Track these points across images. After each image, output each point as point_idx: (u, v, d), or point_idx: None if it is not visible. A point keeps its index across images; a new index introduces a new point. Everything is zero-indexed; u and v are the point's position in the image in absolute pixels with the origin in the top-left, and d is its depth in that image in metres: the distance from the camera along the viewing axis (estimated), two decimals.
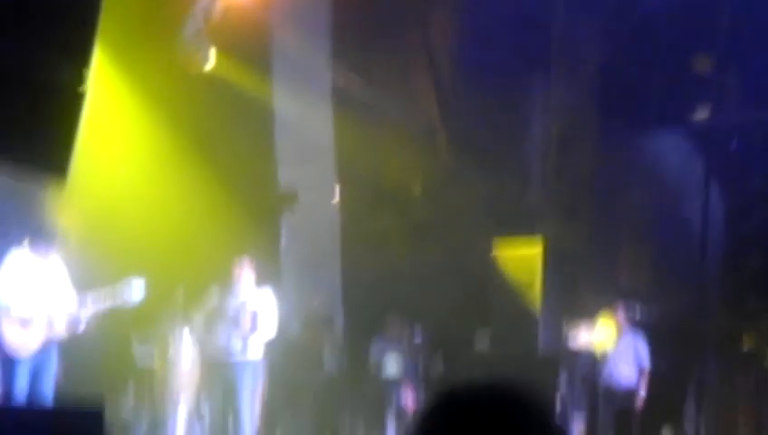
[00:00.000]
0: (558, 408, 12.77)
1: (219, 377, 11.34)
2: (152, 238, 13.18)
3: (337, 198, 15.15)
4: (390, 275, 14.45)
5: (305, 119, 14.74)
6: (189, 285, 11.96)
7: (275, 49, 14.60)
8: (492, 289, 13.79)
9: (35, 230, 10.17)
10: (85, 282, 10.56)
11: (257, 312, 11.24)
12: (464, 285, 14.12)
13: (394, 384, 13.37)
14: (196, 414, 12.01)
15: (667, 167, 15.31)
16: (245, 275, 11.43)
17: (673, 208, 15.32)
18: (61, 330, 9.85)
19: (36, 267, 9.83)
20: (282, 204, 15.12)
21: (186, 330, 11.82)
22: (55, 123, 5.82)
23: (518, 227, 14.24)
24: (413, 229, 14.85)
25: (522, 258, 13.70)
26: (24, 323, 9.59)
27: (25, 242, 9.90)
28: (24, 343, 9.60)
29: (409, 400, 13.22)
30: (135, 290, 10.16)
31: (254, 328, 11.20)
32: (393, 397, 13.16)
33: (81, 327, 10.01)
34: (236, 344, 11.22)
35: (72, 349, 12.02)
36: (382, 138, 14.50)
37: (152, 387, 12.39)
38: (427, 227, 14.81)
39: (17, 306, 9.59)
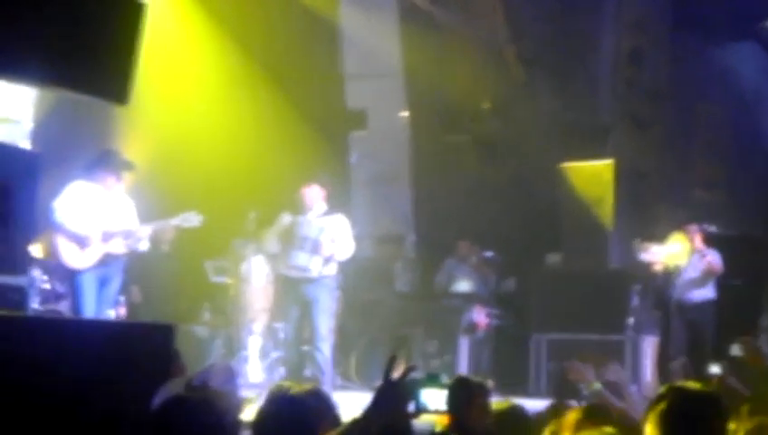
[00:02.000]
0: (631, 322, 12.71)
1: (295, 292, 11.43)
2: (221, 162, 13.29)
3: (406, 116, 15.11)
4: (461, 191, 14.43)
5: (373, 36, 14.68)
6: (262, 208, 12.05)
7: None
8: (562, 205, 13.68)
9: (108, 155, 10.33)
10: (153, 208, 10.74)
11: (334, 236, 11.30)
12: (534, 200, 14.05)
13: (466, 301, 13.40)
14: (269, 330, 12.17)
15: (742, 79, 15.03)
16: (317, 200, 11.46)
17: (748, 121, 15.07)
18: (120, 247, 10.04)
19: (97, 193, 10.02)
20: (350, 122, 15.14)
21: (259, 251, 11.93)
22: (115, 36, 5.86)
23: (589, 142, 14.07)
24: (483, 146, 14.78)
25: (592, 174, 13.54)
26: (79, 239, 9.83)
27: (90, 167, 10.10)
28: (80, 258, 9.84)
29: (482, 316, 13.24)
30: (192, 218, 10.38)
31: (330, 252, 11.27)
32: (465, 313, 13.19)
33: (142, 245, 10.21)
34: (313, 265, 11.30)
35: (149, 271, 12.28)
36: (450, 53, 14.37)
37: (226, 306, 12.59)
38: (497, 142, 14.73)
39: (72, 224, 9.79)
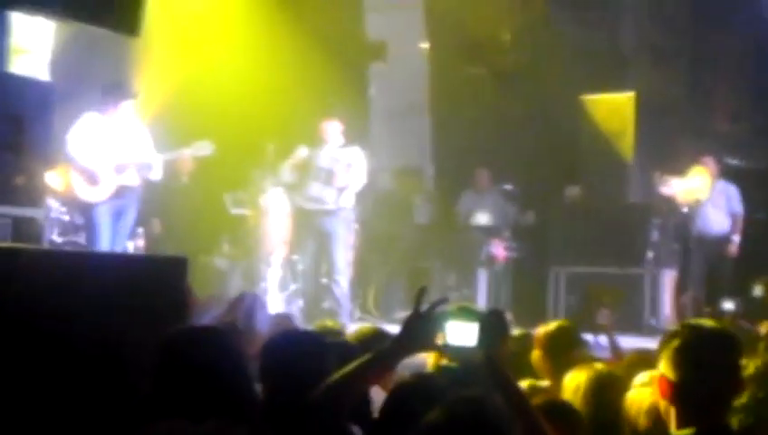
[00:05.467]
0: (650, 256, 12.68)
1: (312, 225, 11.53)
2: (239, 94, 13.22)
3: (425, 47, 14.99)
4: (480, 123, 14.34)
5: None
6: (280, 140, 12.03)
7: None
8: (582, 139, 13.60)
9: (113, 85, 10.32)
10: (170, 140, 10.75)
11: (348, 166, 11.35)
12: (554, 134, 13.96)
13: (484, 233, 13.38)
14: (288, 262, 12.19)
15: (766, 8, 14.80)
16: (334, 133, 11.51)
17: None
18: (133, 178, 10.06)
19: (108, 124, 10.02)
20: (370, 54, 15.04)
21: (277, 183, 11.92)
22: None
23: (610, 74, 13.94)
24: (502, 77, 14.65)
25: (613, 106, 13.44)
26: (92, 173, 9.85)
27: (102, 96, 10.10)
28: (94, 191, 9.87)
29: (500, 248, 13.22)
30: (204, 147, 10.40)
31: (344, 182, 11.32)
32: (483, 246, 13.18)
33: (156, 175, 10.22)
34: (328, 196, 11.35)
35: (169, 203, 12.31)
36: None
37: (245, 237, 12.61)
38: (517, 74, 14.60)
39: (84, 157, 9.81)
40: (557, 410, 4.08)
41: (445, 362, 4.35)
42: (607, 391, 4.55)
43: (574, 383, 4.66)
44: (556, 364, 5.52)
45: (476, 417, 2.85)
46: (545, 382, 5.33)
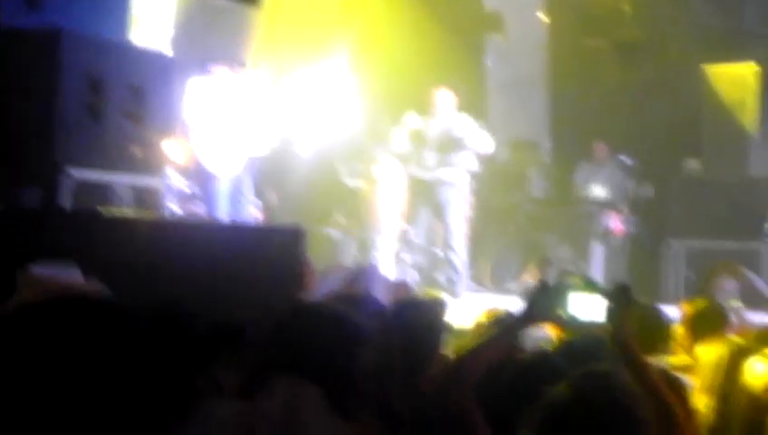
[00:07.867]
0: None
1: (427, 195, 11.47)
2: (354, 62, 13.23)
3: (544, 19, 14.82)
4: (598, 96, 14.16)
5: None
6: (395, 114, 12.00)
7: None
8: (703, 112, 13.31)
9: (230, 51, 10.36)
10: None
11: (462, 136, 11.28)
12: (674, 107, 13.72)
13: (601, 206, 13.23)
14: (402, 233, 12.19)
15: None
16: (446, 102, 11.42)
17: None
18: (254, 147, 10.10)
19: (228, 89, 10.04)
20: (487, 26, 14.93)
21: (391, 152, 11.91)
22: None
23: (732, 47, 13.62)
24: (622, 50, 14.42)
25: (735, 80, 13.12)
26: (216, 140, 9.89)
27: (217, 63, 10.13)
28: (218, 160, 9.92)
29: (617, 222, 13.06)
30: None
31: (458, 151, 11.26)
32: (599, 219, 13.02)
33: (274, 144, 10.23)
34: (444, 166, 11.30)
35: (282, 175, 12.39)
36: None
37: (359, 208, 12.64)
38: (637, 47, 14.35)
39: (205, 127, 9.86)
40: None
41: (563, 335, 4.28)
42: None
43: (714, 357, 4.58)
44: (700, 342, 5.42)
45: (603, 393, 2.80)
46: (682, 359, 5.24)
